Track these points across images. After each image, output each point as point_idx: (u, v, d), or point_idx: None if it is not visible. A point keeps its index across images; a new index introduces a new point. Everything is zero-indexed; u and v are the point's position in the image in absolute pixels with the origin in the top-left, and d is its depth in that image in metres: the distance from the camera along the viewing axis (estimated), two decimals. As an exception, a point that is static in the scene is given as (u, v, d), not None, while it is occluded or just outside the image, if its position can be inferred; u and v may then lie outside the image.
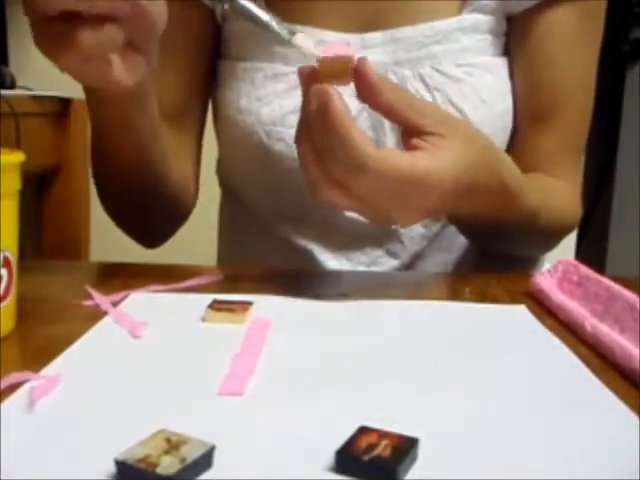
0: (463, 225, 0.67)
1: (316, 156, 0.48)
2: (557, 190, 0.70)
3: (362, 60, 0.48)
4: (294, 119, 0.69)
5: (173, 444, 0.28)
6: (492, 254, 0.70)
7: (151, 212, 0.71)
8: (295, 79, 0.71)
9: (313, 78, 0.48)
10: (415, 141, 0.50)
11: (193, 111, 0.76)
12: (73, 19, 0.44)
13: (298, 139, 0.50)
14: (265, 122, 0.69)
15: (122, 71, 0.48)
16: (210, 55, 0.75)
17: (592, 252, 2.06)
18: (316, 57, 0.49)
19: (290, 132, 0.68)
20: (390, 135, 0.68)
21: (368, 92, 0.49)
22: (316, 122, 0.47)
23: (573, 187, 0.74)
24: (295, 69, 0.70)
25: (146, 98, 0.59)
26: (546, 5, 0.68)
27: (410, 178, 0.47)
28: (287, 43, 0.50)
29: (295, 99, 0.69)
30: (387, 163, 0.47)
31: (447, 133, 0.50)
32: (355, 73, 0.48)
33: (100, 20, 0.44)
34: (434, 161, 0.49)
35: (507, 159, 0.58)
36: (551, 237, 0.73)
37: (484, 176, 0.53)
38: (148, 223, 0.73)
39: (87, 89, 0.58)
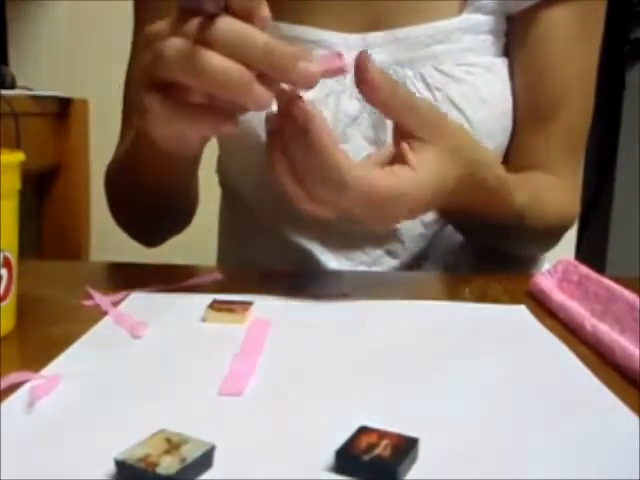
0: (452, 222, 0.67)
1: (292, 171, 0.48)
2: (550, 187, 0.70)
3: (363, 54, 0.48)
4: None
5: (173, 444, 0.28)
6: (492, 254, 0.70)
7: (164, 222, 0.72)
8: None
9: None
10: (402, 146, 0.50)
11: None
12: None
13: (270, 151, 0.49)
14: (264, 121, 0.69)
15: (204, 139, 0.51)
16: None
17: (592, 252, 2.06)
18: None
19: None
20: (390, 132, 0.68)
21: (367, 87, 0.49)
22: (294, 142, 0.47)
23: (572, 185, 0.74)
24: None
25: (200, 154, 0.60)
26: (545, 5, 0.68)
27: (386, 198, 0.48)
28: None
29: None
30: (367, 184, 0.47)
31: (431, 139, 0.50)
32: (355, 67, 0.48)
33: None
34: (412, 178, 0.49)
35: (491, 161, 0.58)
36: (547, 234, 0.73)
37: (464, 188, 0.54)
38: (157, 230, 0.74)
39: (139, 139, 0.57)
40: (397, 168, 0.49)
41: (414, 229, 0.70)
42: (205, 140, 0.53)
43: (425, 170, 0.50)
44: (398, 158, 0.50)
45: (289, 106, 0.47)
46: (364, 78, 0.48)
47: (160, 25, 0.46)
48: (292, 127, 0.47)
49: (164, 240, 0.77)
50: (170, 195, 0.66)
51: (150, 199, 0.66)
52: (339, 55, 0.47)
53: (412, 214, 0.51)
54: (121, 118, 0.76)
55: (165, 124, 0.47)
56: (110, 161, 0.72)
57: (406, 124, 0.50)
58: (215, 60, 0.43)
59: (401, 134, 0.51)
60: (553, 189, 0.70)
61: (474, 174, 0.54)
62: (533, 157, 0.71)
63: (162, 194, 0.65)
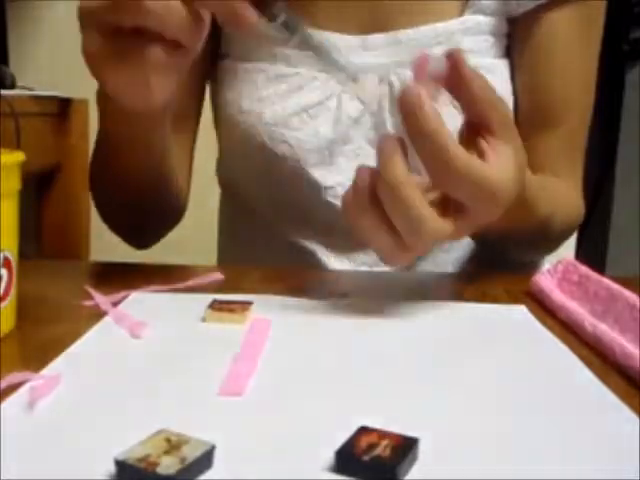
0: (481, 235, 0.66)
1: (385, 223, 0.45)
2: (561, 193, 0.70)
3: (457, 51, 0.46)
4: (297, 121, 0.69)
5: (173, 444, 0.28)
6: (492, 255, 0.70)
7: (149, 218, 0.71)
8: (297, 80, 0.71)
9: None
10: (482, 145, 0.47)
11: (190, 114, 0.76)
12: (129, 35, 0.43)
13: (356, 213, 0.46)
14: (267, 123, 0.69)
15: (157, 90, 0.47)
16: (207, 56, 0.75)
17: (592, 252, 2.06)
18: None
19: (293, 134, 0.69)
20: (392, 133, 0.68)
21: (459, 82, 0.47)
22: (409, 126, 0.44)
23: (575, 186, 0.74)
24: (297, 70, 0.71)
25: (165, 117, 0.58)
26: (547, 7, 0.68)
27: (497, 183, 0.45)
28: None
29: (297, 100, 0.69)
30: (475, 167, 0.45)
31: (506, 137, 0.48)
32: (449, 62, 0.46)
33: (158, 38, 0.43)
34: (503, 172, 0.47)
35: (529, 175, 0.57)
36: (559, 238, 0.73)
37: (521, 187, 0.52)
38: (144, 228, 0.73)
39: (105, 104, 0.56)
40: (491, 159, 0.46)
41: None
42: (165, 91, 0.48)
43: (504, 165, 0.47)
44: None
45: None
46: (456, 73, 0.46)
47: None
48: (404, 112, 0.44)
49: (153, 240, 0.76)
50: (150, 181, 0.65)
51: (132, 189, 0.65)
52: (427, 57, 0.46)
53: (501, 209, 0.48)
54: None
55: (113, 66, 0.44)
56: (92, 154, 0.72)
57: (488, 119, 0.47)
58: None
59: (476, 130, 0.48)
60: (563, 195, 0.71)
61: (523, 195, 0.53)
62: (536, 158, 0.71)
63: (141, 179, 0.64)
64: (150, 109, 0.48)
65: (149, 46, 0.43)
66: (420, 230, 0.44)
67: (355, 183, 0.46)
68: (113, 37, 0.43)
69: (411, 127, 0.43)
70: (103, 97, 0.57)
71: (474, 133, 0.48)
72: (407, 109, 0.43)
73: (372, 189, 0.45)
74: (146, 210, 0.69)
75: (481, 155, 0.47)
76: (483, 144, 0.47)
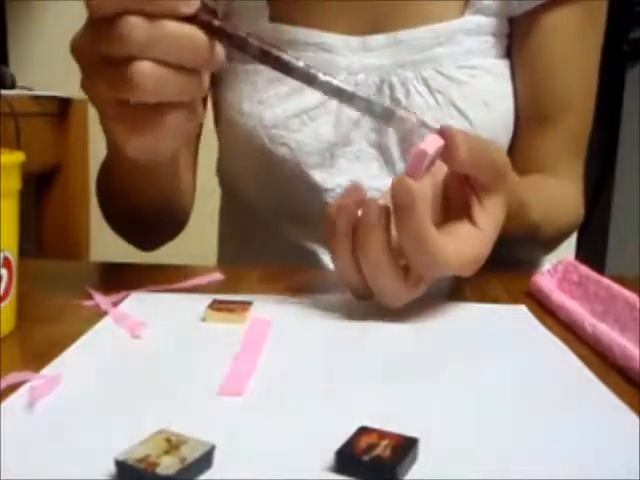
0: None
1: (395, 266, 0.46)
2: (559, 195, 0.70)
3: (448, 128, 0.46)
4: (297, 123, 0.69)
5: (173, 444, 0.28)
6: (492, 255, 0.70)
7: (154, 230, 0.72)
8: (297, 82, 0.71)
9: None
10: (472, 203, 0.48)
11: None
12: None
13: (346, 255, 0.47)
14: (267, 126, 0.69)
15: (170, 147, 0.48)
16: None
17: (592, 252, 2.06)
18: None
19: (293, 136, 0.69)
20: (393, 136, 0.68)
21: (450, 154, 0.46)
22: (396, 219, 0.45)
23: (575, 187, 0.74)
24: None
25: (175, 160, 0.60)
26: (547, 7, 0.68)
27: (470, 266, 0.48)
28: (390, 115, 0.47)
29: (297, 102, 0.69)
30: (456, 258, 0.46)
31: (496, 186, 0.49)
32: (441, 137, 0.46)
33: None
34: (479, 240, 0.48)
35: (516, 183, 0.56)
36: (556, 239, 0.73)
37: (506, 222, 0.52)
38: (148, 236, 0.74)
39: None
40: (465, 232, 0.48)
41: None
42: (175, 145, 0.50)
43: (491, 228, 0.49)
44: (463, 210, 0.49)
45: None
46: (449, 147, 0.46)
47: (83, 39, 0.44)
48: (394, 202, 0.45)
49: (158, 246, 0.76)
50: (156, 203, 0.66)
51: (137, 209, 0.66)
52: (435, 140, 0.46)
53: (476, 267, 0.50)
54: None
55: (134, 133, 0.46)
56: (100, 167, 0.72)
57: (481, 180, 0.48)
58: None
59: (468, 183, 0.49)
60: (561, 196, 0.71)
61: (510, 205, 0.53)
62: (535, 158, 0.71)
63: (148, 202, 0.65)
64: (160, 160, 0.49)
65: (167, 113, 0.45)
66: (387, 294, 0.47)
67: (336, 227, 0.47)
68: (129, 106, 0.44)
69: (399, 218, 0.44)
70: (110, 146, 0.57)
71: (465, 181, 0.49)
72: (399, 205, 0.44)
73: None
74: (150, 224, 0.69)
75: (469, 215, 0.48)
76: (474, 206, 0.48)
